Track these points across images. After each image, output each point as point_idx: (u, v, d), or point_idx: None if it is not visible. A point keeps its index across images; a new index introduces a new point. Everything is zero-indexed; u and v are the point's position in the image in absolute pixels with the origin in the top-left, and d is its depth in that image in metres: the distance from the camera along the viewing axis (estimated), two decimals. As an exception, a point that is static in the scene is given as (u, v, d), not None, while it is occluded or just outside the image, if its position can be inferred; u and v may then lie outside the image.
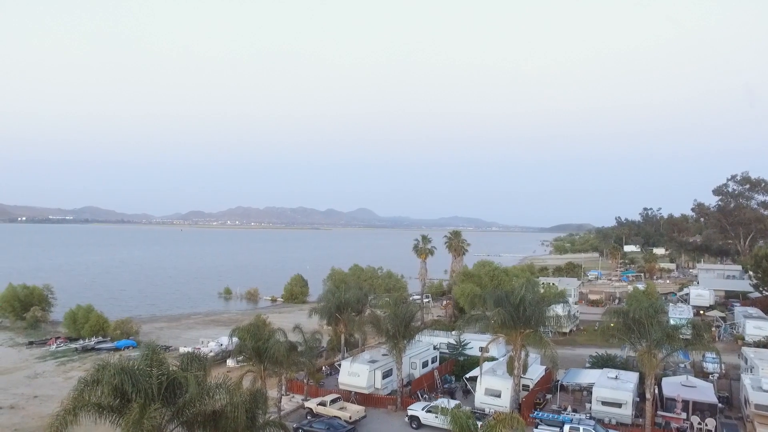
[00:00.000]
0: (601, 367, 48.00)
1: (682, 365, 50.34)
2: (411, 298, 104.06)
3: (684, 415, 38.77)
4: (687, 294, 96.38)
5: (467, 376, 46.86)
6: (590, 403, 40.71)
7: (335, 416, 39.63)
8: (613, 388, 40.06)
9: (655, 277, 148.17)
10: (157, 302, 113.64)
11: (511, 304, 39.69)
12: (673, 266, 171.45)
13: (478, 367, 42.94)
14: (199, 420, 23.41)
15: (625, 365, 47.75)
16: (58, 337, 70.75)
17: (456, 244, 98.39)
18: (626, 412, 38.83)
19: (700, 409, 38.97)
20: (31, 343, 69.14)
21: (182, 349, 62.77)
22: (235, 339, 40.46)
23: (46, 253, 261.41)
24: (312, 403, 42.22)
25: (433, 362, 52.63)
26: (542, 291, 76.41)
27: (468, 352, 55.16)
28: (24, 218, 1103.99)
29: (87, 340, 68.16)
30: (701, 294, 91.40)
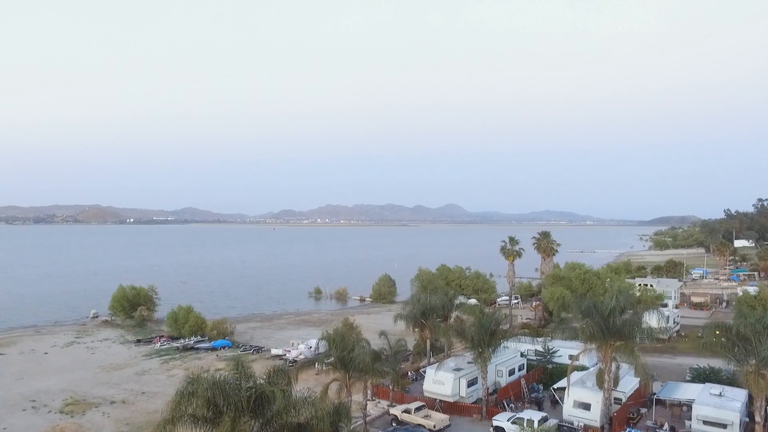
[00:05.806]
0: (703, 381, 44.85)
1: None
2: (500, 299, 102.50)
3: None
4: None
5: (555, 386, 45.40)
6: (690, 420, 38.28)
7: (419, 424, 39.87)
8: (717, 407, 37.23)
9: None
10: (248, 303, 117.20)
11: (600, 315, 38.06)
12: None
13: (566, 378, 41.62)
14: (286, 431, 24.37)
15: (731, 381, 44.13)
16: (162, 336, 75.87)
17: (545, 245, 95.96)
18: (732, 434, 36.12)
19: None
20: (138, 341, 74.72)
21: (273, 351, 65.44)
22: (323, 342, 41.88)
23: (146, 254, 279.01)
24: (397, 410, 42.66)
25: (519, 370, 51.65)
26: (638, 294, 72.90)
27: (557, 359, 53.58)
28: (131, 220, 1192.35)
29: (187, 340, 72.56)
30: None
